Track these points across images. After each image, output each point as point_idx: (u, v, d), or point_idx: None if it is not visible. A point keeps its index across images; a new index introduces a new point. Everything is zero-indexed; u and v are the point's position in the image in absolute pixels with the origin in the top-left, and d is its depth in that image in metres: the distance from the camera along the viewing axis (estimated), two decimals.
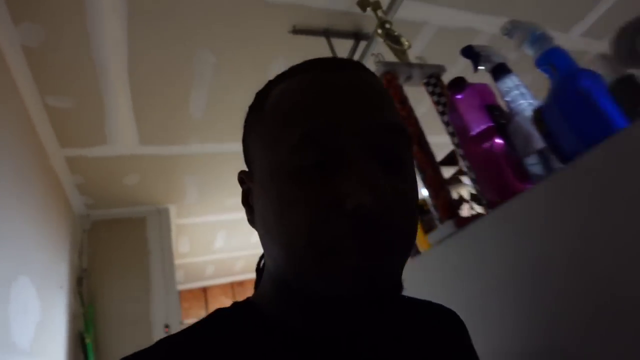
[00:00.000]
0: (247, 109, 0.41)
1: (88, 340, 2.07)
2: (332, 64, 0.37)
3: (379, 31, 1.49)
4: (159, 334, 2.37)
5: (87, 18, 1.45)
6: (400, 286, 0.34)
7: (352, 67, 0.38)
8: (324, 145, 0.33)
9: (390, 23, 1.52)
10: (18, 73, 1.56)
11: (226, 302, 4.32)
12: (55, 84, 1.69)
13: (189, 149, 2.34)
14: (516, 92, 0.74)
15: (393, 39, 1.43)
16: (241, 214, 2.97)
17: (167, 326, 2.37)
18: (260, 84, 0.41)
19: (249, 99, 0.42)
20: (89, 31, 1.50)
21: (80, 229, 2.58)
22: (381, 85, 0.39)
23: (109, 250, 2.58)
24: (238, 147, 0.48)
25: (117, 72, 1.71)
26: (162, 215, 2.85)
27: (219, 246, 4.05)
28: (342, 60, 0.38)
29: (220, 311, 0.39)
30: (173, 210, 2.95)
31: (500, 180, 0.70)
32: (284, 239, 0.33)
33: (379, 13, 1.57)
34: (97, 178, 2.37)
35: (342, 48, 1.84)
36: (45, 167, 1.96)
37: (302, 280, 0.34)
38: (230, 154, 2.46)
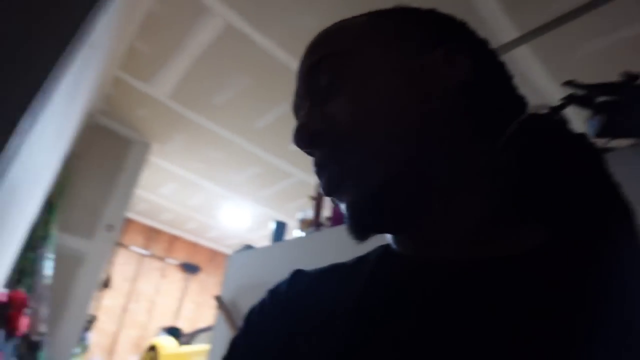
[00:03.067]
0: None
1: (57, 203, 2.69)
2: None
3: None
4: (101, 228, 3.02)
5: None
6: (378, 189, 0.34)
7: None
8: (295, 113, 0.43)
9: None
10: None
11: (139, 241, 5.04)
12: (143, 33, 2.44)
13: (200, 120, 3.11)
14: None
15: None
16: (204, 181, 3.74)
17: (110, 226, 3.03)
18: None
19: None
20: None
21: (84, 123, 3.22)
22: (318, 35, 0.43)
23: (96, 149, 3.22)
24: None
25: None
26: (145, 147, 3.53)
27: (196, 202, 4.71)
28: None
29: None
30: (154, 147, 3.64)
31: None
32: None
33: None
34: (123, 98, 3.05)
35: None
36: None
37: None
38: (222, 139, 3.25)
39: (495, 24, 1.99)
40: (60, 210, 2.75)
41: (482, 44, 0.42)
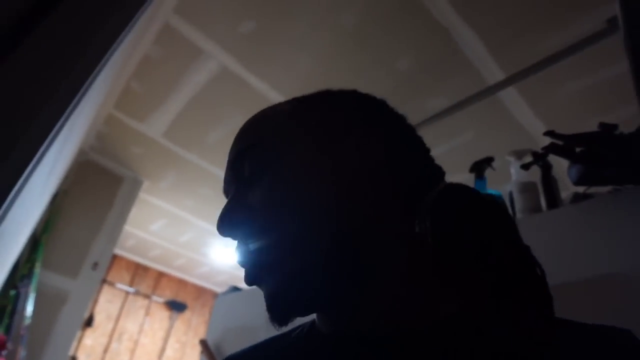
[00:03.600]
0: None
1: (43, 240, 2.65)
2: None
3: None
4: (87, 266, 2.96)
5: None
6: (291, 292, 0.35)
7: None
8: (225, 196, 0.43)
9: None
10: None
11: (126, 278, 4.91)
12: (139, 73, 2.49)
13: (192, 158, 3.13)
14: None
15: None
16: (191, 217, 3.70)
17: (95, 264, 2.97)
18: None
19: None
20: None
21: (75, 160, 3.22)
22: (245, 125, 0.44)
23: (86, 185, 3.20)
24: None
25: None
26: (136, 184, 3.52)
27: (185, 238, 4.68)
28: None
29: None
30: (145, 184, 3.63)
31: None
32: None
33: None
34: (116, 135, 3.07)
35: None
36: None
37: None
38: (213, 177, 3.26)
39: (482, 65, 2.08)
40: (45, 247, 2.71)
41: (398, 122, 0.45)
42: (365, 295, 0.36)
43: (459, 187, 0.39)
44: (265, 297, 0.37)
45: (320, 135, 0.40)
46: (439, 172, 0.44)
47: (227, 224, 0.38)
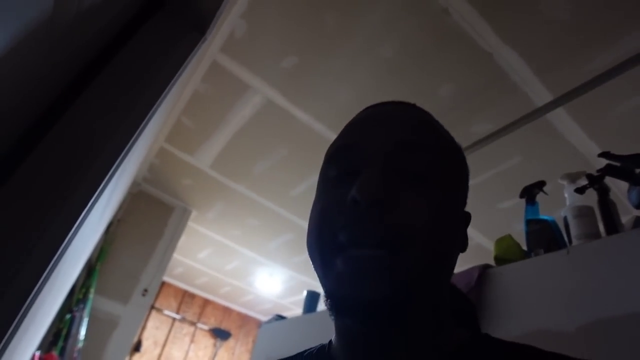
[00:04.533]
0: None
1: (97, 267, 2.79)
2: (380, 104, 0.45)
3: None
4: (138, 292, 3.07)
5: None
6: (408, 292, 0.33)
7: (394, 103, 0.44)
8: (342, 162, 0.39)
9: None
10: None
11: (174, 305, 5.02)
12: (189, 108, 2.63)
13: (239, 189, 3.23)
14: None
15: None
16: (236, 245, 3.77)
17: (145, 290, 3.08)
18: None
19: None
20: None
21: (129, 191, 3.40)
22: (418, 114, 0.43)
23: (138, 215, 3.37)
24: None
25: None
26: (185, 214, 3.66)
27: (231, 267, 4.81)
28: (391, 102, 0.45)
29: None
30: (194, 214, 3.76)
31: None
32: (309, 243, 0.39)
33: None
34: (167, 167, 3.23)
35: None
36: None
37: (321, 280, 0.37)
38: (259, 206, 3.33)
39: (528, 88, 2.02)
40: (99, 273, 2.84)
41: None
42: (417, 330, 0.39)
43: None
44: (364, 294, 0.33)
45: (462, 190, 0.45)
46: None
47: (374, 194, 0.34)
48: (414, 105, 0.46)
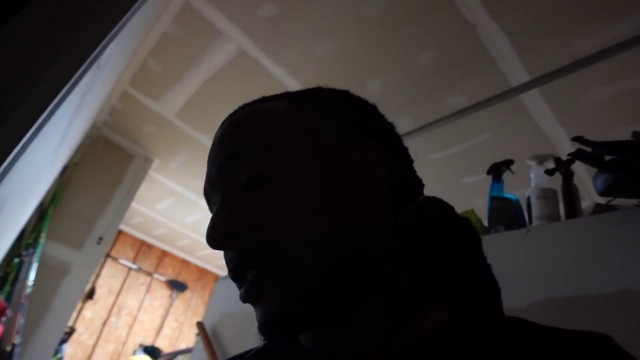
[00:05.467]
0: None
1: (50, 211, 2.65)
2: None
3: None
4: (92, 239, 2.97)
5: None
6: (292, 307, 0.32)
7: (228, 117, 0.42)
8: (209, 202, 0.41)
9: None
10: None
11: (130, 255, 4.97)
12: (156, 51, 2.47)
13: (204, 140, 3.11)
14: None
15: None
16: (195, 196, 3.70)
17: (100, 238, 2.98)
18: None
19: None
20: None
21: (88, 134, 3.22)
22: (236, 120, 0.40)
23: (96, 160, 3.21)
24: None
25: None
26: (146, 162, 3.52)
27: (191, 219, 4.70)
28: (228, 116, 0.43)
29: None
30: (156, 163, 3.63)
31: None
32: None
33: None
34: (129, 112, 3.06)
35: None
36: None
37: None
38: None
39: (506, 66, 2.01)
40: (52, 218, 2.72)
41: (390, 130, 0.44)
42: (363, 314, 0.35)
43: (436, 202, 0.43)
44: (264, 313, 0.34)
45: (328, 140, 0.38)
46: (420, 185, 0.45)
47: (223, 235, 0.34)
48: (232, 114, 0.44)
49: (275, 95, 0.44)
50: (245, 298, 0.35)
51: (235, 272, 0.35)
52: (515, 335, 0.34)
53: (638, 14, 1.66)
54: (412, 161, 0.45)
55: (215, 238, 0.34)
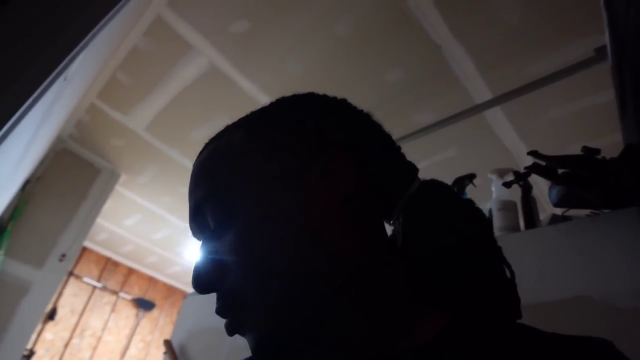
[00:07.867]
0: None
1: (9, 227, 2.54)
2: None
3: None
4: (54, 257, 2.85)
5: None
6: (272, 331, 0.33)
7: (197, 156, 0.42)
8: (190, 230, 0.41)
9: None
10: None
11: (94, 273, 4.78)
12: (126, 64, 2.44)
13: (173, 154, 3.07)
14: None
15: None
16: (165, 213, 3.62)
17: (63, 255, 2.86)
18: None
19: None
20: None
21: (52, 147, 3.12)
22: (199, 164, 0.41)
23: (61, 174, 3.10)
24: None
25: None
26: (113, 176, 3.43)
27: (159, 236, 4.58)
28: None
29: None
30: (123, 178, 3.54)
31: None
32: None
33: None
34: (97, 126, 2.99)
35: None
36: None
37: None
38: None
39: (470, 84, 2.10)
40: (11, 234, 2.60)
41: (362, 125, 0.42)
42: (355, 327, 0.34)
43: (436, 184, 0.41)
44: (254, 342, 0.34)
45: (284, 167, 0.36)
46: (413, 170, 0.43)
47: (203, 284, 0.36)
48: (200, 153, 0.43)
49: (236, 123, 0.42)
50: (229, 331, 0.36)
51: (220, 314, 0.36)
52: (515, 340, 0.33)
53: (592, 37, 1.79)
54: (398, 147, 0.43)
55: (198, 289, 0.36)
